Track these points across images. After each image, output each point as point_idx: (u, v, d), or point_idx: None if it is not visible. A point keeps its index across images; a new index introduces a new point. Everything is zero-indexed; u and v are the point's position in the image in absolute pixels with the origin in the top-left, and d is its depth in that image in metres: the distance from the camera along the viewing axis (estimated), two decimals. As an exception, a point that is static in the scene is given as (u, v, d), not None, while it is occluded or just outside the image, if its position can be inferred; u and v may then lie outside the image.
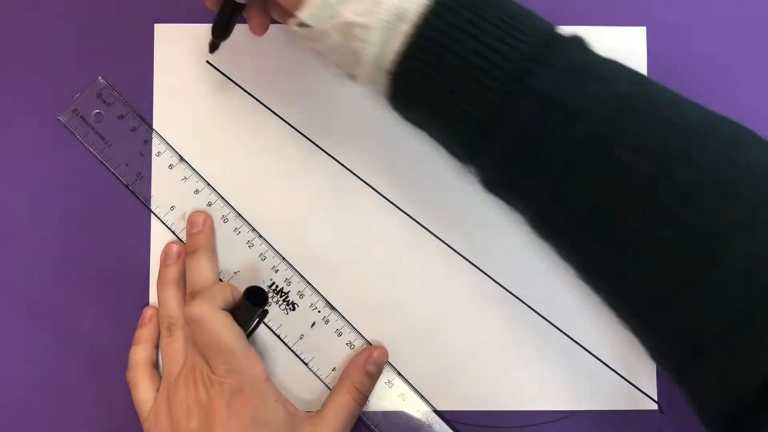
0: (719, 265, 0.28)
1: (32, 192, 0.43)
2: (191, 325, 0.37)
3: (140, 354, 0.40)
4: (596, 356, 0.41)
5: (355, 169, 0.42)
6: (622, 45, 0.43)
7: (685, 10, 0.44)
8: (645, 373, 0.41)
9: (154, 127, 0.43)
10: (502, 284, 0.42)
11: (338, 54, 0.33)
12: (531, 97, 0.30)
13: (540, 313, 0.41)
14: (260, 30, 0.38)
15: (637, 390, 0.41)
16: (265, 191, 0.42)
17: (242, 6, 0.37)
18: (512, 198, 0.34)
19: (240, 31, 0.43)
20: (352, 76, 0.34)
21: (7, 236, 0.42)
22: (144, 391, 0.39)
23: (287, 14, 0.33)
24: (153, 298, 0.42)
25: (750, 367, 0.27)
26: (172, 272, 0.41)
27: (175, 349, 0.39)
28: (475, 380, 0.41)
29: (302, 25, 0.32)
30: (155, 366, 0.40)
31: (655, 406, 0.41)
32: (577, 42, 0.32)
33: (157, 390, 0.39)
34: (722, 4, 0.43)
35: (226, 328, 0.36)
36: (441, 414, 0.41)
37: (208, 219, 0.41)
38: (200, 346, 0.37)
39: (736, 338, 0.28)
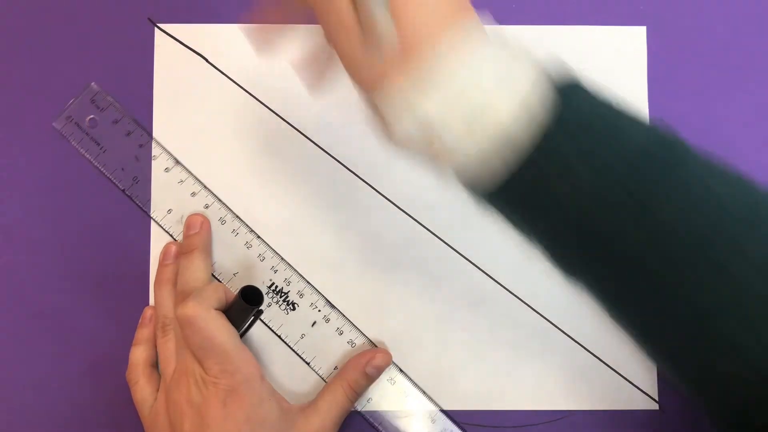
0: None
1: (32, 194, 0.43)
2: (183, 325, 0.36)
3: (140, 354, 0.40)
4: (596, 356, 0.41)
5: (355, 169, 0.42)
6: (622, 45, 0.43)
7: (685, 10, 0.44)
8: (645, 373, 0.41)
9: (154, 127, 0.43)
10: (502, 284, 0.42)
11: (413, 144, 0.29)
12: (653, 224, 0.27)
13: (540, 312, 0.41)
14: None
15: (637, 390, 0.41)
16: (264, 191, 0.42)
17: (261, 311, 0.39)
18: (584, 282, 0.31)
19: (240, 31, 0.43)
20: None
21: (7, 237, 0.42)
22: (142, 391, 0.39)
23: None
24: (153, 298, 0.42)
25: None
26: (169, 272, 0.41)
27: (170, 349, 0.39)
28: (475, 379, 0.41)
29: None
30: (155, 366, 0.40)
31: (655, 406, 0.41)
32: (681, 150, 0.29)
33: (157, 390, 0.39)
34: (722, 4, 0.43)
35: (219, 328, 0.36)
36: (446, 412, 0.41)
37: (205, 222, 0.41)
38: (193, 346, 0.36)
39: None
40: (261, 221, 0.42)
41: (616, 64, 0.43)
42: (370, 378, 0.40)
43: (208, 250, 0.41)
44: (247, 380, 0.36)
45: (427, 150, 0.29)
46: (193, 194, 0.42)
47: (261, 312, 0.39)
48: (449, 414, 0.41)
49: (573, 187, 0.27)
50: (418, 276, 0.42)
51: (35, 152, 0.43)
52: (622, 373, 0.41)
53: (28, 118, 0.43)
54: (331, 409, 0.38)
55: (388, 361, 0.40)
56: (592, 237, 0.28)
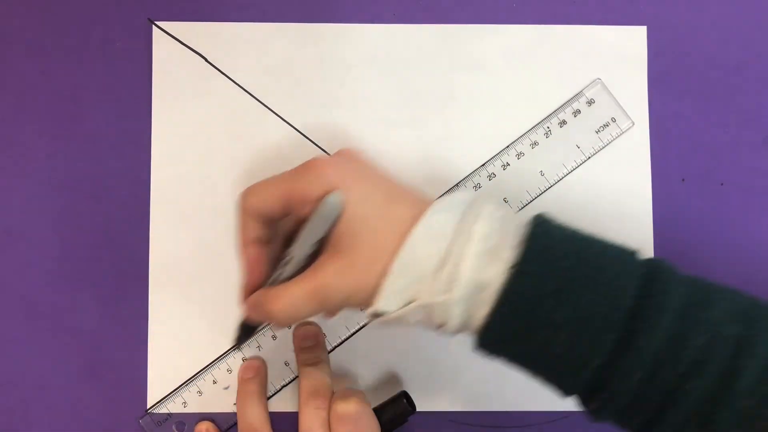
0: None
1: (32, 194, 0.42)
2: (346, 421, 0.36)
3: None
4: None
5: (355, 169, 0.42)
6: (622, 45, 0.43)
7: (685, 10, 0.44)
8: (645, 373, 0.41)
9: (153, 126, 0.43)
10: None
11: (420, 324, 0.32)
12: (639, 359, 0.28)
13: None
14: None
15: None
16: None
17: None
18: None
19: (240, 30, 0.43)
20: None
21: (6, 236, 0.42)
22: None
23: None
24: (153, 298, 0.42)
25: None
26: (255, 384, 0.41)
27: None
28: (476, 380, 0.41)
29: (376, 315, 0.31)
30: None
31: (655, 406, 0.41)
32: (666, 273, 0.30)
33: None
34: (722, 4, 0.43)
35: (377, 428, 0.38)
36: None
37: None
38: None
39: None
40: (261, 221, 0.42)
41: (616, 64, 0.43)
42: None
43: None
44: None
45: (434, 327, 0.32)
46: (193, 194, 0.42)
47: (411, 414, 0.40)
48: (448, 416, 0.41)
49: (556, 329, 0.29)
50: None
51: (35, 152, 0.43)
52: (621, 373, 0.41)
53: (28, 117, 0.43)
54: None
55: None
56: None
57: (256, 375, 0.41)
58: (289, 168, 0.42)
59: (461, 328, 0.31)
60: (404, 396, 0.39)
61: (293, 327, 0.41)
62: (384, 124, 0.43)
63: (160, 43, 0.43)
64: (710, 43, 0.43)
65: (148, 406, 0.41)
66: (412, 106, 0.43)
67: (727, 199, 0.43)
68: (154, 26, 0.43)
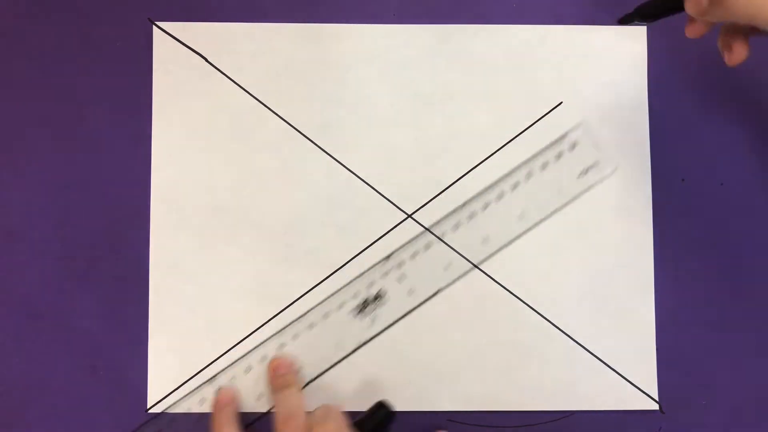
0: None
1: (33, 194, 0.42)
2: None
3: None
4: (596, 356, 0.41)
5: (355, 168, 0.42)
6: (622, 45, 0.43)
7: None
8: (645, 373, 0.41)
9: (153, 126, 0.43)
10: (503, 284, 0.42)
11: None
12: None
13: (540, 312, 0.41)
14: (734, 58, 0.37)
15: (637, 390, 0.41)
16: (264, 191, 0.42)
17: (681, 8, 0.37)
18: None
19: (240, 30, 0.43)
20: None
21: (7, 236, 0.42)
22: None
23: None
24: (153, 298, 0.42)
25: None
26: (228, 410, 0.40)
27: None
28: (476, 380, 0.41)
29: None
30: None
31: (655, 406, 0.41)
32: None
33: None
34: (722, 4, 0.43)
35: None
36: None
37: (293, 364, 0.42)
38: None
39: None
40: (260, 221, 0.42)
41: (616, 64, 0.43)
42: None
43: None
44: None
45: None
46: (193, 194, 0.42)
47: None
48: (448, 416, 0.41)
49: None
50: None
51: (35, 152, 0.43)
52: (622, 373, 0.41)
53: (28, 118, 0.43)
54: None
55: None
56: None
57: (231, 402, 0.41)
58: (288, 167, 0.43)
59: None
60: (382, 405, 0.39)
61: (269, 359, 0.41)
62: (384, 124, 0.43)
63: (160, 43, 0.43)
64: (710, 42, 0.43)
65: (148, 406, 0.41)
66: (412, 106, 0.43)
67: (727, 199, 0.43)
68: (154, 26, 0.43)
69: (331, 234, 0.42)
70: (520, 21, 0.43)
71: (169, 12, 0.43)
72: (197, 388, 0.41)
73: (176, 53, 0.43)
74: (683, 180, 0.43)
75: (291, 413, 0.38)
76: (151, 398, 0.41)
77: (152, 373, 0.42)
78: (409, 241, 0.42)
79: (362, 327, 0.42)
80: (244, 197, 0.42)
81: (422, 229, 0.42)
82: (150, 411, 0.41)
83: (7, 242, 0.42)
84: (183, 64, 0.43)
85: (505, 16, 0.43)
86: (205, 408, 0.41)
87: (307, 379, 0.41)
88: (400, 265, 0.42)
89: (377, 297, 0.42)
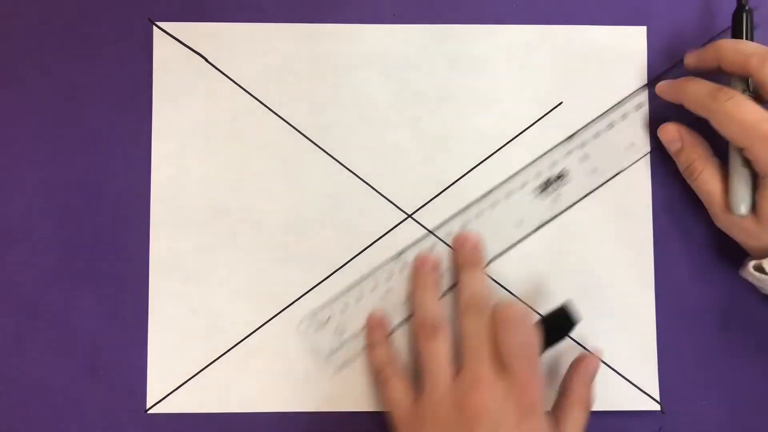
0: None
1: (33, 194, 0.42)
2: (509, 323, 0.36)
3: (383, 354, 0.40)
4: (596, 356, 0.41)
5: (355, 169, 0.42)
6: (622, 45, 0.43)
7: (685, 10, 0.44)
8: (646, 373, 0.41)
9: (153, 126, 0.43)
10: (502, 284, 0.42)
11: None
12: None
13: (540, 313, 0.41)
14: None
15: (637, 390, 0.41)
16: (264, 191, 0.42)
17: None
18: None
19: (240, 30, 0.43)
20: None
21: (7, 236, 0.42)
22: (396, 390, 0.39)
23: None
24: (153, 298, 0.42)
25: None
26: (433, 280, 0.41)
27: (441, 352, 0.38)
28: (476, 380, 0.41)
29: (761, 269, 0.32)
30: (400, 365, 0.40)
31: (656, 407, 0.41)
32: None
33: (409, 389, 0.39)
34: (722, 4, 0.43)
35: (538, 335, 0.37)
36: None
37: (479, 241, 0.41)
38: (511, 347, 0.36)
39: None
40: (260, 221, 0.42)
41: (616, 64, 0.43)
42: (593, 386, 0.40)
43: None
44: (541, 401, 0.36)
45: None
46: (193, 194, 0.42)
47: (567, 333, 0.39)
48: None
49: None
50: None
51: (35, 152, 0.43)
52: (622, 373, 0.41)
53: (28, 117, 0.43)
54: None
55: (599, 363, 0.40)
56: None
57: (434, 270, 0.41)
58: (288, 167, 0.43)
59: None
60: (565, 309, 0.38)
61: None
62: (384, 124, 0.43)
63: (160, 43, 0.43)
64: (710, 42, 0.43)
65: (147, 406, 0.41)
66: (411, 106, 0.43)
67: (727, 199, 0.43)
68: (154, 26, 0.43)
69: (331, 234, 0.42)
70: (520, 21, 0.43)
71: (169, 12, 0.43)
72: (197, 388, 0.41)
73: (176, 53, 0.43)
74: (683, 180, 0.43)
75: (476, 297, 0.38)
76: (151, 398, 0.41)
77: (152, 373, 0.42)
78: (413, 244, 0.42)
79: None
80: (244, 197, 0.42)
81: (423, 230, 0.42)
82: (150, 411, 0.41)
83: (7, 242, 0.42)
84: (183, 64, 0.43)
85: (505, 16, 0.43)
86: (206, 408, 0.41)
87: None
88: (402, 269, 0.42)
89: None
